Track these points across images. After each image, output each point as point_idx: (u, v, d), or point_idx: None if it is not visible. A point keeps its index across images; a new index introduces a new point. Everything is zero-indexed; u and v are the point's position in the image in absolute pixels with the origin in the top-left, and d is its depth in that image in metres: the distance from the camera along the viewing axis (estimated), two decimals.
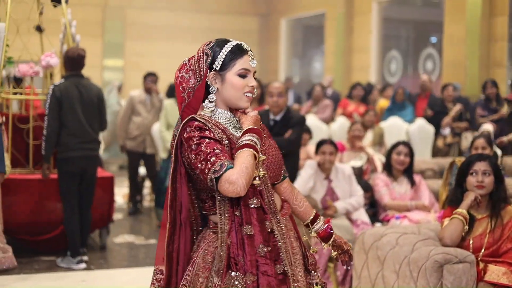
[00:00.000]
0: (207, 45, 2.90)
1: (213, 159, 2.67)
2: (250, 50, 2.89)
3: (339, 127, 10.07)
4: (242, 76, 2.84)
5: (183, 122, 2.80)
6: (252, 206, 2.77)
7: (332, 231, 3.14)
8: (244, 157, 2.67)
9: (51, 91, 6.55)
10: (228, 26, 21.75)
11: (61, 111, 6.55)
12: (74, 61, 6.77)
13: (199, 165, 2.70)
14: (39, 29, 6.75)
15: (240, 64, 2.84)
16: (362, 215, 6.33)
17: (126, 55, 21.03)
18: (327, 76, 15.67)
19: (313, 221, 3.12)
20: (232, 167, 2.64)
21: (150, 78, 9.47)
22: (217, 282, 2.74)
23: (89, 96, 6.76)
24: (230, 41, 2.88)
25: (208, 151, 2.69)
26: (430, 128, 9.98)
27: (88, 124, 6.70)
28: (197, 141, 2.73)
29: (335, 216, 6.14)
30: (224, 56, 2.84)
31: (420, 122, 10.08)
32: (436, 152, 9.99)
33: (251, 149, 2.70)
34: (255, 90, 2.91)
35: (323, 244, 3.14)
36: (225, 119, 2.90)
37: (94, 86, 6.99)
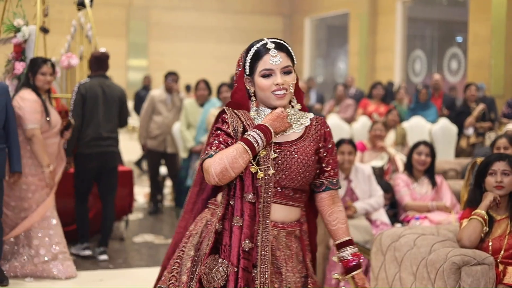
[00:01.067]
0: (245, 49, 2.97)
1: (208, 148, 2.85)
2: (277, 46, 2.88)
3: (361, 126, 9.98)
4: (266, 76, 2.86)
5: (219, 112, 2.96)
6: (246, 200, 2.78)
7: (354, 266, 2.97)
8: (228, 149, 2.76)
9: (77, 89, 6.83)
10: (252, 26, 21.75)
11: (84, 108, 6.81)
12: (100, 62, 7.06)
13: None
14: (44, 30, 6.79)
15: (261, 65, 2.87)
16: (381, 216, 6.26)
17: (150, 55, 21.10)
18: (349, 76, 15.57)
19: (341, 246, 2.99)
20: (212, 156, 2.77)
21: (171, 78, 9.46)
22: (193, 255, 2.89)
23: (112, 95, 7.01)
24: (257, 43, 2.91)
25: (210, 141, 2.87)
26: (453, 128, 9.87)
27: (107, 121, 6.94)
28: (213, 131, 2.91)
29: (354, 216, 6.08)
30: (249, 61, 2.91)
31: (443, 122, 9.96)
32: (459, 152, 9.88)
33: (243, 143, 2.75)
34: (289, 85, 2.88)
35: (335, 273, 3.04)
36: (261, 118, 2.96)
37: (117, 87, 7.22)
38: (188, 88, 16.28)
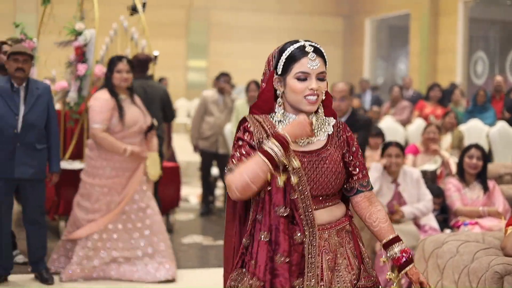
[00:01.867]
0: (278, 47, 2.88)
1: (230, 161, 2.79)
2: (316, 50, 2.81)
3: (416, 129, 9.83)
4: (301, 79, 2.79)
5: (240, 120, 2.88)
6: (279, 214, 2.72)
7: (405, 263, 2.87)
8: (247, 163, 2.70)
9: None
10: (312, 27, 21.67)
11: None
12: (142, 64, 7.38)
13: None
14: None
15: (297, 67, 2.79)
16: (430, 221, 6.11)
17: (210, 56, 21.18)
18: (406, 77, 15.33)
19: (388, 245, 2.89)
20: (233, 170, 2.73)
21: (223, 78, 9.44)
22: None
23: (153, 95, 7.28)
24: (295, 43, 2.83)
25: (233, 153, 2.81)
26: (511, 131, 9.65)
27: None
28: (235, 142, 2.85)
29: (401, 221, 5.95)
30: (284, 60, 2.81)
31: (501, 124, 9.74)
32: None
33: (261, 155, 2.68)
34: (321, 92, 2.82)
35: (388, 273, 2.91)
36: (288, 122, 2.86)
37: (160, 86, 7.62)
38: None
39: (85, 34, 6.71)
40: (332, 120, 2.95)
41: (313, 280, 2.72)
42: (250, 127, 2.81)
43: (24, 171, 5.71)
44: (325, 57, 2.85)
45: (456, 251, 4.25)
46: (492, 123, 10.11)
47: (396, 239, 2.89)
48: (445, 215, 6.35)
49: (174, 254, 6.49)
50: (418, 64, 18.07)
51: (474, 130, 9.80)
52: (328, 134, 2.91)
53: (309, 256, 2.72)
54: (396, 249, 2.87)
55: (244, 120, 2.86)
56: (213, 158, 9.47)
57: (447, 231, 6.03)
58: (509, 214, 6.03)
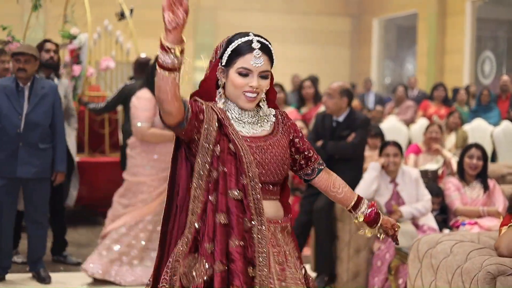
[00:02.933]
0: (228, 37, 2.83)
1: None
2: (263, 48, 2.75)
3: (419, 128, 9.77)
4: (243, 75, 2.74)
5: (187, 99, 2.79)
6: (232, 197, 2.67)
7: (377, 214, 2.99)
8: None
9: (121, 88, 7.55)
10: (319, 27, 21.59)
11: (126, 106, 7.37)
12: (142, 66, 7.73)
13: None
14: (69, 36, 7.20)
15: (240, 62, 2.74)
16: (429, 220, 6.05)
17: None
18: (412, 77, 15.25)
19: (355, 206, 2.99)
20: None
21: None
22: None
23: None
24: (244, 37, 2.78)
25: None
26: None
27: None
28: None
29: (400, 221, 5.90)
30: (229, 52, 2.76)
31: (506, 124, 9.68)
32: None
33: (159, 67, 2.49)
34: (262, 90, 2.78)
35: (365, 230, 3.02)
36: (239, 113, 2.83)
37: None
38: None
39: (79, 38, 7.10)
40: (272, 110, 2.93)
41: (265, 270, 2.66)
42: (200, 105, 2.73)
43: (27, 170, 5.72)
44: (273, 55, 2.80)
45: (450, 251, 4.20)
46: (497, 122, 10.05)
47: (360, 198, 3.01)
48: (445, 216, 6.30)
49: None
50: (426, 64, 17.98)
51: (478, 129, 9.74)
52: (273, 123, 2.90)
53: (259, 245, 2.66)
54: (364, 207, 2.98)
55: (194, 100, 2.77)
56: None
57: (446, 231, 5.98)
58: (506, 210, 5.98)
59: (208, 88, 2.83)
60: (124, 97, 7.46)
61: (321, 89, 19.42)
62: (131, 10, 7.48)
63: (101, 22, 8.14)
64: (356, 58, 21.95)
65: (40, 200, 5.87)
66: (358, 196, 3.01)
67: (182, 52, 2.47)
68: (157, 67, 2.49)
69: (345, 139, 6.10)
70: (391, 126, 9.57)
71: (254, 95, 2.76)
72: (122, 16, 7.64)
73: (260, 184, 2.73)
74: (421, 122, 10.11)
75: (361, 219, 2.98)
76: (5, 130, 5.69)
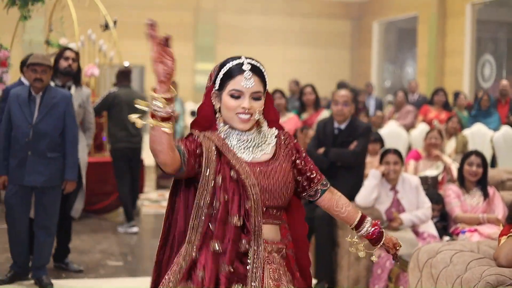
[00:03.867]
0: (221, 62, 2.88)
1: None
2: (253, 69, 2.80)
3: (420, 133, 9.77)
4: (234, 97, 2.79)
5: (185, 136, 2.85)
6: (232, 224, 2.73)
7: (380, 233, 3.00)
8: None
9: (106, 95, 8.50)
10: (320, 29, 21.61)
11: (111, 112, 8.54)
12: (124, 75, 8.72)
13: None
14: (49, 43, 7.29)
15: (232, 84, 2.79)
16: (429, 228, 6.08)
17: (218, 59, 21.13)
18: (412, 81, 15.23)
19: (359, 225, 3.00)
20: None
21: None
22: None
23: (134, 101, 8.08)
24: (235, 60, 2.82)
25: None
26: None
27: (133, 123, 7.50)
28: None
29: (400, 228, 5.94)
30: (221, 76, 2.81)
31: (505, 129, 9.69)
32: None
33: (150, 118, 2.55)
34: (255, 111, 2.80)
35: (358, 249, 3.04)
36: (238, 140, 2.86)
37: (139, 94, 9.46)
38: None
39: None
40: (274, 131, 2.96)
41: (256, 283, 2.72)
42: (197, 138, 2.79)
43: (35, 179, 5.79)
44: (265, 76, 2.83)
45: (450, 261, 4.23)
46: (496, 127, 10.05)
47: (363, 217, 3.00)
48: (445, 223, 6.32)
49: None
50: (426, 67, 18.00)
51: (478, 134, 9.75)
52: (274, 145, 2.92)
53: (254, 265, 2.73)
54: (367, 225, 2.98)
55: (190, 134, 2.84)
56: None
57: (446, 238, 6.01)
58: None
59: (206, 114, 2.89)
60: (108, 103, 8.41)
61: (320, 91, 19.51)
62: (115, 22, 7.64)
63: (85, 31, 8.41)
64: (356, 60, 21.98)
65: (49, 208, 5.92)
66: (362, 214, 3.01)
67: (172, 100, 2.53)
68: (152, 120, 2.53)
69: (347, 146, 6.13)
70: (391, 131, 9.58)
71: (247, 116, 2.79)
72: (106, 27, 7.82)
73: (265, 208, 2.79)
74: (421, 127, 10.11)
75: (356, 239, 3.01)
76: (16, 139, 5.80)
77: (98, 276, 6.51)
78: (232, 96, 2.78)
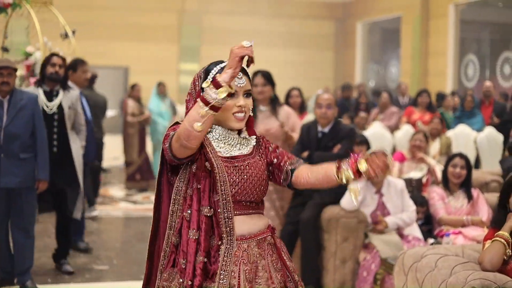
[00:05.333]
0: (204, 68, 2.95)
1: (167, 139, 2.84)
2: (242, 69, 2.87)
3: (403, 135, 9.80)
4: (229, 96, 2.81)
5: (168, 127, 2.91)
6: (203, 213, 2.80)
7: (357, 159, 2.85)
8: (190, 113, 2.71)
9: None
10: (304, 30, 21.65)
11: None
12: (90, 79, 9.13)
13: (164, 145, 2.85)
14: (5, 49, 7.67)
15: None
16: (414, 231, 6.12)
17: (202, 60, 21.15)
18: (402, 83, 15.23)
19: (339, 170, 2.88)
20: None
21: None
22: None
23: (97, 102, 9.34)
24: (221, 63, 2.90)
25: (167, 133, 2.85)
26: (500, 137, 9.61)
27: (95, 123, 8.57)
28: (168, 132, 2.85)
29: (385, 231, 5.96)
30: (211, 79, 2.83)
31: (489, 130, 9.72)
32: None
33: (200, 102, 2.67)
34: (248, 109, 2.90)
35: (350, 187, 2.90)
36: (220, 134, 2.94)
37: (102, 96, 9.96)
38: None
39: (35, 55, 7.51)
40: (253, 138, 3.05)
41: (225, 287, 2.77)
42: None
43: (9, 180, 5.81)
44: (249, 75, 2.93)
45: (435, 265, 4.25)
46: (480, 128, 10.09)
47: (339, 163, 2.90)
48: (429, 226, 6.35)
49: None
50: (410, 67, 18.07)
51: (462, 136, 9.78)
52: (253, 146, 3.01)
53: (224, 263, 2.78)
54: (345, 165, 2.87)
55: (176, 123, 2.90)
56: None
57: (431, 240, 6.04)
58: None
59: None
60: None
61: (304, 93, 19.51)
62: (73, 31, 7.76)
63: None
64: (340, 61, 22.02)
65: (27, 209, 5.93)
66: (338, 162, 2.92)
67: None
68: (201, 105, 2.65)
69: (331, 150, 6.14)
70: (375, 132, 9.60)
71: (243, 114, 2.88)
72: (65, 36, 7.91)
73: (233, 203, 2.84)
74: (405, 129, 10.14)
75: (350, 172, 2.84)
76: None
77: (84, 280, 6.51)
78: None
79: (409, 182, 7.02)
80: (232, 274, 2.78)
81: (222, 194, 2.80)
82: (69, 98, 6.61)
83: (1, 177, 5.79)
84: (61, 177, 6.47)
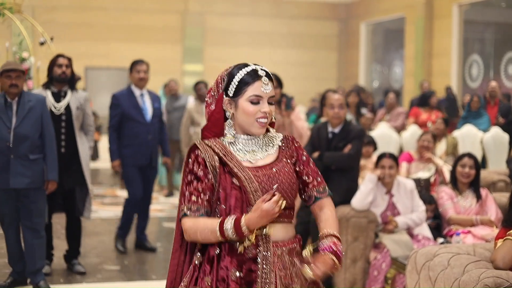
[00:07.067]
0: (226, 70, 2.94)
1: (182, 200, 2.86)
2: (267, 75, 2.89)
3: (410, 136, 9.84)
4: (254, 102, 2.85)
5: (190, 147, 2.90)
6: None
7: (329, 249, 2.84)
8: (206, 227, 2.76)
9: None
10: (307, 31, 21.70)
11: None
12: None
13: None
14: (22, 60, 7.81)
15: (251, 90, 2.85)
16: (424, 230, 6.17)
17: (206, 60, 21.21)
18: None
19: (322, 238, 2.90)
20: (185, 215, 2.81)
21: (201, 86, 9.53)
22: None
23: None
24: (246, 67, 2.89)
25: (183, 190, 2.86)
26: (506, 137, 9.66)
27: None
28: (185, 174, 2.88)
29: (395, 231, 6.01)
30: (236, 83, 2.87)
31: (495, 130, 9.76)
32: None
33: (219, 232, 2.72)
34: (272, 115, 2.91)
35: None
36: (244, 144, 2.93)
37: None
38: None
39: (30, 60, 7.56)
40: (280, 135, 3.04)
41: None
42: (200, 155, 2.85)
43: (19, 181, 5.87)
44: (274, 82, 2.93)
45: (447, 264, 4.30)
46: (486, 129, 10.12)
47: (331, 235, 2.88)
48: (437, 220, 6.39)
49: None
50: (413, 68, 18.11)
51: (468, 136, 9.81)
52: (278, 146, 2.99)
53: (263, 271, 2.77)
54: (329, 240, 2.87)
55: (194, 147, 2.89)
56: None
57: (440, 240, 6.09)
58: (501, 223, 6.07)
59: (217, 121, 2.93)
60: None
61: (307, 93, 19.53)
62: (51, 38, 7.81)
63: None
64: (343, 61, 22.07)
65: (36, 209, 5.99)
66: (329, 232, 2.91)
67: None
68: (218, 234, 2.72)
69: (341, 150, 6.19)
70: (382, 133, 9.62)
71: (265, 120, 2.87)
72: (43, 43, 8.01)
73: None
74: (412, 129, 10.17)
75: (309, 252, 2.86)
76: None
77: (96, 280, 6.56)
78: (252, 102, 2.85)
79: (417, 182, 7.07)
80: (270, 280, 2.77)
81: (255, 203, 2.76)
82: (77, 98, 6.67)
83: (10, 178, 5.84)
84: (69, 178, 6.54)
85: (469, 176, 6.26)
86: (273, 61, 20.73)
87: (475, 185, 6.30)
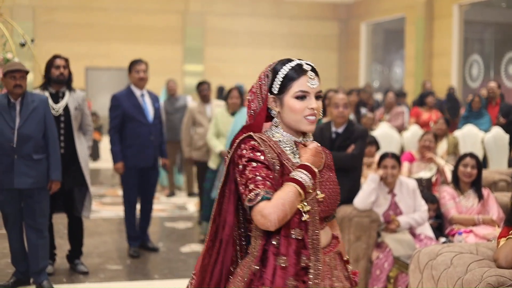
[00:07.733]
0: (270, 66, 2.80)
1: (251, 186, 2.56)
2: (313, 69, 2.75)
3: (412, 136, 9.85)
4: (300, 98, 2.70)
5: (241, 138, 2.71)
6: (293, 236, 2.60)
7: None
8: (285, 193, 2.54)
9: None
10: (308, 31, 21.72)
11: None
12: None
13: (240, 188, 2.62)
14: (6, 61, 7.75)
15: (296, 86, 2.70)
16: (426, 230, 6.19)
17: (206, 61, 21.24)
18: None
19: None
20: (268, 198, 2.51)
21: (204, 87, 9.49)
22: None
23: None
24: (290, 62, 2.75)
25: (250, 177, 2.59)
26: (506, 137, 9.68)
27: None
28: (245, 162, 2.63)
29: (397, 230, 6.03)
30: (281, 79, 2.73)
31: (496, 130, 9.77)
32: None
33: (297, 186, 2.56)
34: (319, 112, 2.75)
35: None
36: (291, 148, 2.77)
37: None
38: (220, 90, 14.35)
39: (14, 61, 7.38)
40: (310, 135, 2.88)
41: None
42: (259, 145, 2.67)
43: (23, 181, 5.89)
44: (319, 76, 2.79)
45: (450, 263, 4.32)
46: (487, 129, 10.14)
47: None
48: (440, 220, 6.41)
49: (173, 263, 6.56)
50: (414, 68, 18.13)
51: (469, 136, 9.82)
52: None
53: (315, 281, 2.61)
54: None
55: (250, 138, 2.70)
56: (207, 167, 9.42)
57: (442, 239, 6.11)
58: (503, 222, 6.10)
59: (261, 120, 2.77)
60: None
61: None
62: (32, 40, 7.82)
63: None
64: (344, 61, 22.09)
65: (40, 209, 6.01)
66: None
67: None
68: (299, 188, 2.55)
69: (344, 150, 6.21)
70: (383, 133, 9.63)
71: (314, 117, 2.72)
72: (23, 45, 8.00)
73: (320, 220, 2.72)
74: (413, 129, 10.19)
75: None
76: (1, 145, 5.87)
77: (99, 280, 6.58)
78: (297, 97, 2.70)
79: (419, 182, 7.09)
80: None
81: (312, 212, 2.63)
82: (75, 99, 6.68)
83: (14, 178, 5.87)
84: (68, 178, 6.55)
85: (471, 176, 6.28)
86: (274, 61, 20.76)
87: (477, 184, 6.33)
